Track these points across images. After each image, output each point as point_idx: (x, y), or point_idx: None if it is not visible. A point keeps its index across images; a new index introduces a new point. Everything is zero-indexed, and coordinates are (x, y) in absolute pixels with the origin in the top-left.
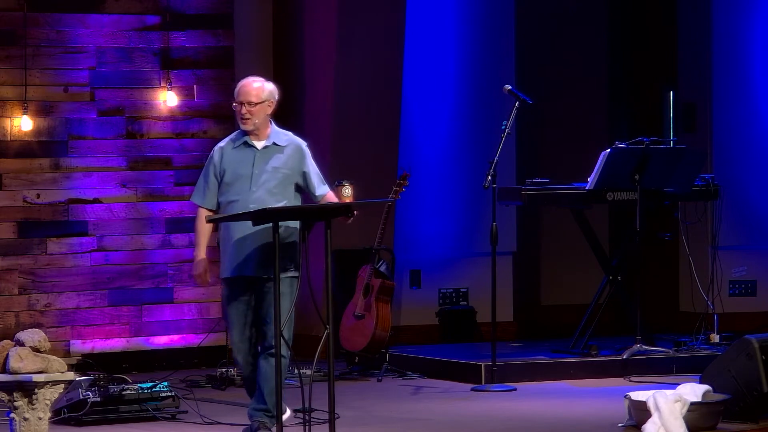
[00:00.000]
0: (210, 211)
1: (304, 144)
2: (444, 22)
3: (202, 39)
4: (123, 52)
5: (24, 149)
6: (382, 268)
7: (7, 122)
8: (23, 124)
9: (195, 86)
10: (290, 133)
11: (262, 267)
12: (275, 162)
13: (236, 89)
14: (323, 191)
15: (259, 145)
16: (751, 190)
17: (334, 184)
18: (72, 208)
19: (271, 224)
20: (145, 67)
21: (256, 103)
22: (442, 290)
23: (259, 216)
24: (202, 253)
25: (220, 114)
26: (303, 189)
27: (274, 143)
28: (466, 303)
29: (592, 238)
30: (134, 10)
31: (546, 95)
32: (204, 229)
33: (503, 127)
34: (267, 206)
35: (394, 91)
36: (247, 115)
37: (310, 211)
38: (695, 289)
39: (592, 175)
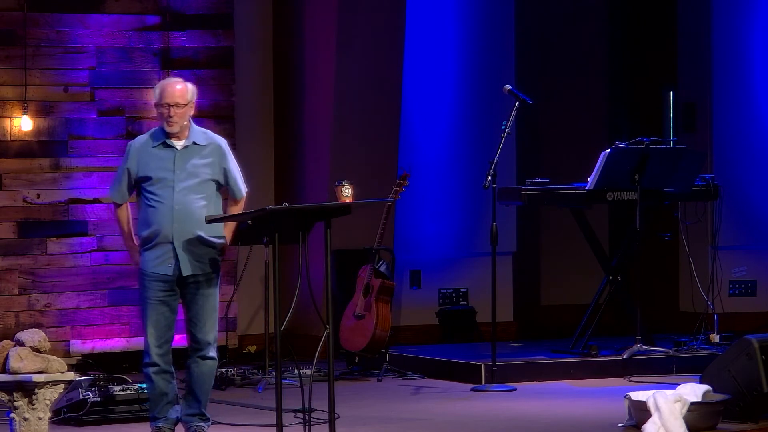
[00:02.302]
0: (122, 205)
1: (224, 142)
2: (444, 22)
3: (202, 39)
4: (123, 52)
5: (24, 149)
6: (382, 268)
7: (7, 122)
8: (23, 124)
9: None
10: (209, 132)
11: (194, 265)
12: (196, 162)
13: (159, 91)
14: (243, 193)
15: (179, 144)
16: (751, 190)
17: (334, 184)
18: (72, 208)
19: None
20: (145, 67)
21: (184, 105)
22: (442, 290)
23: (258, 216)
24: (131, 241)
25: (220, 114)
26: (223, 187)
27: (194, 143)
28: (466, 303)
29: (592, 238)
30: (134, 10)
31: (546, 95)
32: (127, 219)
33: (503, 127)
34: (191, 207)
35: (394, 91)
36: (175, 118)
37: (310, 211)
38: (695, 289)
39: (592, 175)
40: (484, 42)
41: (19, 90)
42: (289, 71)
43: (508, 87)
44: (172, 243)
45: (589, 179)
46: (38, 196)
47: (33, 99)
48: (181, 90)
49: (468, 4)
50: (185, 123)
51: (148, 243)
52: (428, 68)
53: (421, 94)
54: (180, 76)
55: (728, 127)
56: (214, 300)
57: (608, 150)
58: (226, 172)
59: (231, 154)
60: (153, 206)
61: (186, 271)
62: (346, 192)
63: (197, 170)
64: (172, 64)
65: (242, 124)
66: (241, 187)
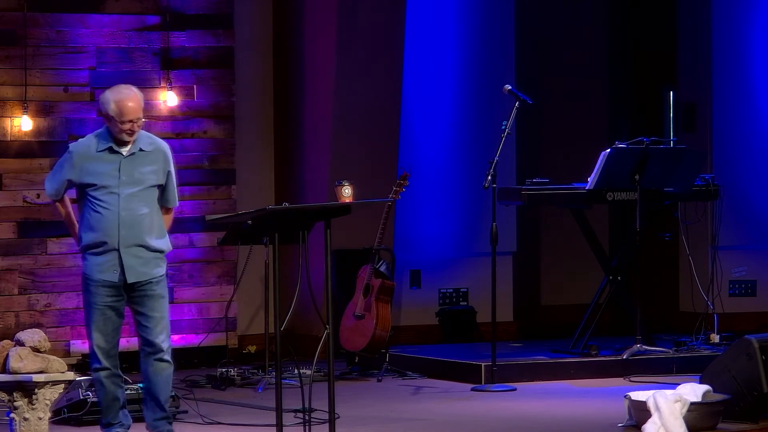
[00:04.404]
0: (57, 201)
1: (167, 147)
2: (444, 22)
3: (202, 39)
4: (123, 52)
5: (24, 149)
6: (382, 268)
7: (7, 122)
8: (23, 124)
9: (195, 86)
10: (153, 136)
11: (138, 273)
12: (142, 168)
13: (117, 108)
14: (177, 203)
15: (125, 151)
16: (751, 190)
17: (335, 184)
18: (72, 209)
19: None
20: (145, 67)
21: (141, 117)
22: (442, 290)
23: (258, 216)
24: (75, 226)
25: (220, 114)
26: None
27: (141, 149)
28: (466, 303)
29: (592, 238)
30: (134, 10)
31: (546, 95)
32: (70, 209)
33: (503, 127)
34: (136, 214)
35: (394, 90)
36: (135, 130)
37: (310, 211)
38: (695, 289)
39: (592, 175)
40: (484, 42)
41: (19, 90)
42: (289, 71)
43: (508, 87)
44: (117, 250)
45: (589, 179)
46: (38, 196)
47: (33, 99)
48: (139, 102)
49: (468, 5)
50: None
51: (92, 249)
52: (428, 68)
53: (421, 94)
54: (180, 76)
55: (728, 127)
56: (164, 303)
57: (608, 150)
58: (167, 178)
59: (172, 159)
60: (98, 212)
61: (131, 278)
62: (346, 192)
63: (143, 177)
64: (172, 64)
65: (242, 124)
66: (176, 196)
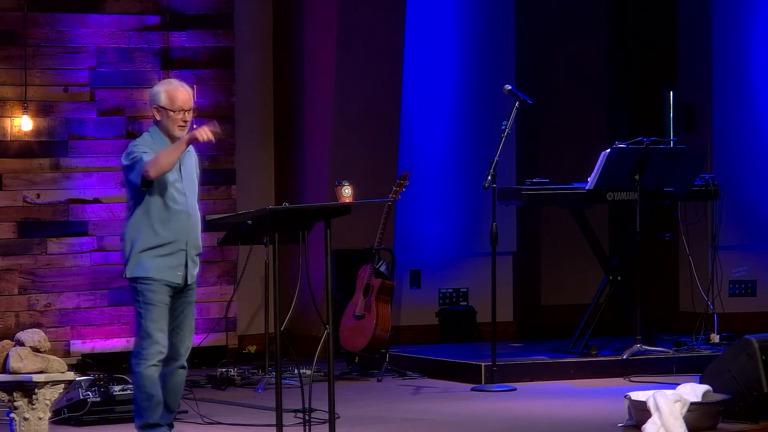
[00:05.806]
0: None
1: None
2: (444, 22)
3: (202, 39)
4: (123, 52)
5: (24, 149)
6: (382, 268)
7: (7, 122)
8: (23, 124)
9: (195, 86)
10: None
11: (193, 275)
12: (189, 166)
13: (168, 97)
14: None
15: None
16: (751, 190)
17: (335, 184)
18: (72, 208)
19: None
20: (145, 67)
21: (192, 110)
22: (442, 290)
23: (258, 216)
24: (174, 144)
25: (220, 114)
26: None
27: (187, 149)
28: (466, 303)
29: (592, 238)
30: (134, 10)
31: (546, 95)
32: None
33: (503, 127)
34: (197, 213)
35: (394, 91)
36: (187, 120)
37: (310, 211)
38: (695, 289)
39: (592, 175)
40: (484, 42)
41: (19, 90)
42: (289, 71)
43: (508, 87)
44: (185, 250)
45: (589, 179)
46: (38, 196)
47: (33, 99)
48: (188, 93)
49: (468, 4)
50: None
51: (156, 249)
52: (428, 68)
53: (421, 94)
54: (180, 76)
55: (728, 127)
56: (194, 309)
57: (608, 150)
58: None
59: None
60: (169, 210)
61: (191, 279)
62: (346, 192)
63: (193, 176)
64: (172, 64)
65: (242, 124)
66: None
